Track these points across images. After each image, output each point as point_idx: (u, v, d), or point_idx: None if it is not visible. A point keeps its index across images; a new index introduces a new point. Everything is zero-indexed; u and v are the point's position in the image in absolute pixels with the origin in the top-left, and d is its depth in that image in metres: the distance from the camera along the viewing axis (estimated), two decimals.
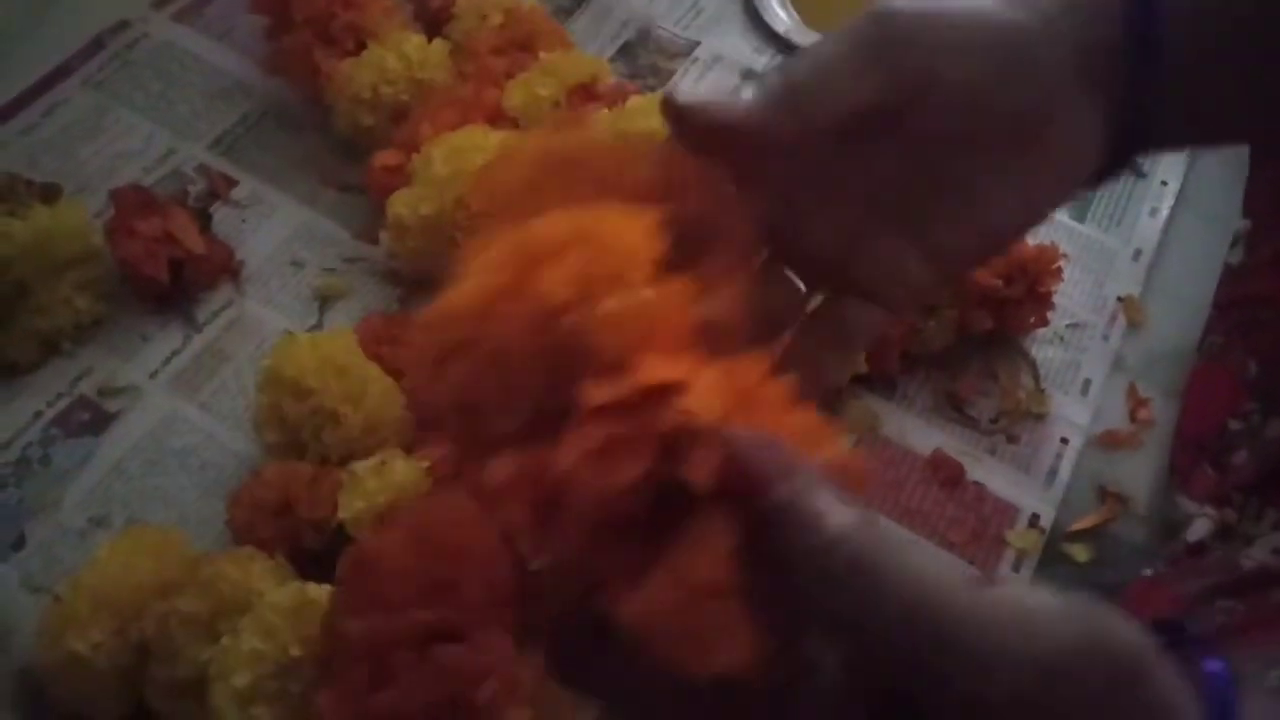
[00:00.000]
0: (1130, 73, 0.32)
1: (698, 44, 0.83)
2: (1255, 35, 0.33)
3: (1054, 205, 0.34)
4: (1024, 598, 0.23)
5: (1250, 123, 0.37)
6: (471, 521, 0.47)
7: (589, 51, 0.81)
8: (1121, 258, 0.77)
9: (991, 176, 0.32)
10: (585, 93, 0.67)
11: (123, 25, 0.77)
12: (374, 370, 0.56)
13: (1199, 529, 0.61)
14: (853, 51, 0.30)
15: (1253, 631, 0.48)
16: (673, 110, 0.31)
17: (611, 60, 0.82)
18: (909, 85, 0.31)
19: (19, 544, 0.56)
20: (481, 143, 0.62)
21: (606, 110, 0.64)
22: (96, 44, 0.76)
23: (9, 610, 0.53)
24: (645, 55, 0.83)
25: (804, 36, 0.83)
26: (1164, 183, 0.82)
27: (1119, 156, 0.34)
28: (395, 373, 0.58)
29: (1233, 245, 0.75)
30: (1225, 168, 0.81)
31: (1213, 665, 0.24)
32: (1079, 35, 0.32)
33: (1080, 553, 0.63)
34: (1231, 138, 0.41)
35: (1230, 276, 0.74)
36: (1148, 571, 0.59)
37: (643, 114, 0.62)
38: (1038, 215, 0.34)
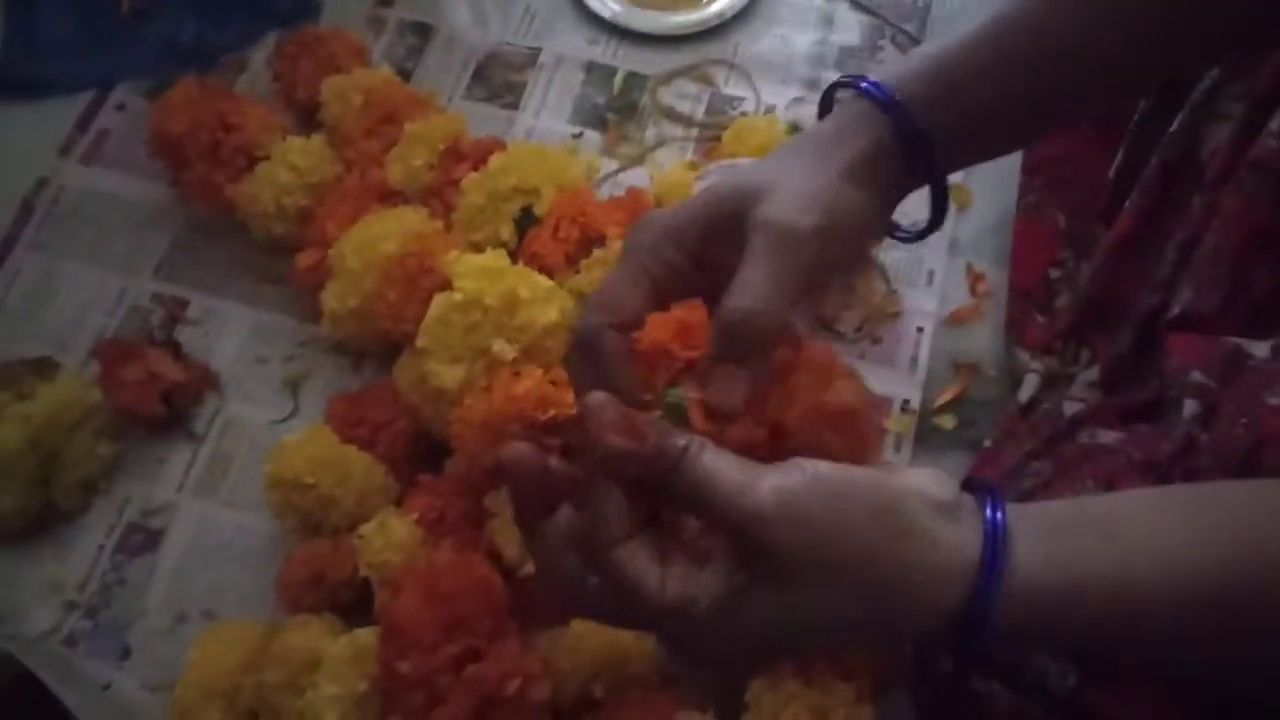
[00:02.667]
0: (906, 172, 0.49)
1: (539, 50, 0.92)
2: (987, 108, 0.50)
3: None
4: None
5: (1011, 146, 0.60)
6: (462, 567, 0.62)
7: (445, 84, 0.91)
8: None
9: None
10: (453, 154, 0.78)
11: (42, 183, 0.87)
12: (351, 451, 0.70)
13: (1029, 386, 0.76)
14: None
15: (1057, 484, 0.64)
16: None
17: (469, 87, 0.92)
18: None
19: (125, 654, 0.71)
20: (380, 231, 0.73)
21: (474, 173, 0.75)
22: (26, 208, 0.86)
23: (138, 711, 0.68)
24: (497, 74, 0.92)
25: (633, 19, 0.92)
26: None
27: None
28: (368, 446, 0.71)
29: None
30: None
31: (994, 513, 0.40)
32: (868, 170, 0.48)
33: (947, 422, 0.78)
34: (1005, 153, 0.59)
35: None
36: (987, 442, 0.74)
37: (504, 173, 0.73)
38: None
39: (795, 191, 0.46)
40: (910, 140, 0.49)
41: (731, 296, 0.43)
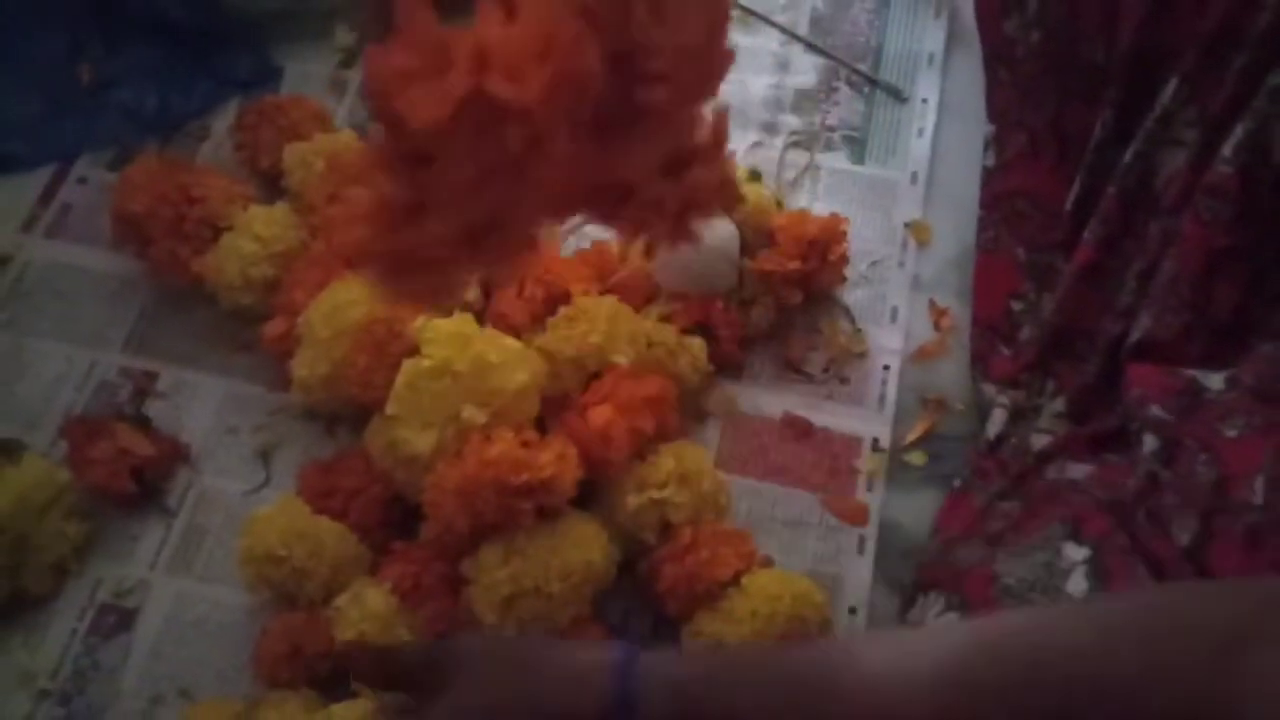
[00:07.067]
0: None
1: None
2: None
3: None
4: None
5: None
6: None
7: None
8: (902, 186, 0.90)
9: None
10: None
11: (5, 260, 0.86)
12: (324, 523, 0.69)
13: (996, 421, 0.76)
14: None
15: (1025, 526, 0.64)
16: None
17: None
18: None
19: None
20: (348, 297, 0.73)
21: None
22: None
23: None
24: None
25: None
26: (924, 100, 0.94)
27: None
28: (341, 515, 0.71)
29: (985, 149, 0.88)
30: (977, 71, 0.90)
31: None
32: None
33: (917, 458, 0.78)
34: None
35: (988, 177, 0.88)
36: (957, 482, 0.74)
37: None
38: None
39: None
40: None
41: None
